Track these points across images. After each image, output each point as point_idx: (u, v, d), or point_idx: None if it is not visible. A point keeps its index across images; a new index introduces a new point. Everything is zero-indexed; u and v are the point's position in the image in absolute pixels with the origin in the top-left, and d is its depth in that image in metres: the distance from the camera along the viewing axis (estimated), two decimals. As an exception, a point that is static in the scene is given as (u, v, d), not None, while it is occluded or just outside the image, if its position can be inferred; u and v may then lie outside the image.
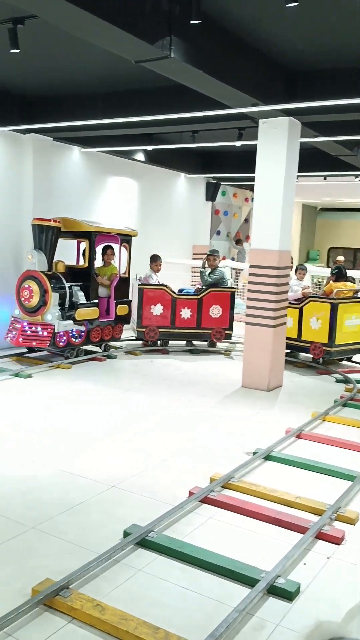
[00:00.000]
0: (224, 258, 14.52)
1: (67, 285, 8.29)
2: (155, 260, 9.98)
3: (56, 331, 8.04)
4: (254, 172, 7.52)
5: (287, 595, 3.11)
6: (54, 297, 8.12)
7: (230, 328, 9.76)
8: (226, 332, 9.72)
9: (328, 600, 3.11)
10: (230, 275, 10.16)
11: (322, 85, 6.72)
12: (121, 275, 9.29)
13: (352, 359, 9.35)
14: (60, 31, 5.57)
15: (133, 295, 9.54)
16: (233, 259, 15.38)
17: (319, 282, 13.67)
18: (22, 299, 8.17)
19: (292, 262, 10.26)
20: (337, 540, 3.69)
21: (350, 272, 9.93)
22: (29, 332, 8.07)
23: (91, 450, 5.09)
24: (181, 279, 12.76)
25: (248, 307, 7.63)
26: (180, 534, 3.69)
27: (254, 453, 5.08)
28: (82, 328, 8.47)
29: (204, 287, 9.77)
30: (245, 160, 11.86)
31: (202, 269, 9.93)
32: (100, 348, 9.02)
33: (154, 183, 12.94)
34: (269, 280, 7.37)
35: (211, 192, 14.81)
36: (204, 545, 3.52)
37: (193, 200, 14.44)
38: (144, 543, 3.53)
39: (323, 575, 3.35)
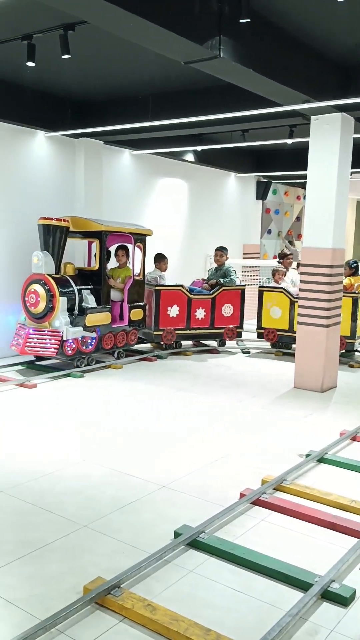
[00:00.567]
0: (274, 257, 14.37)
1: (76, 288, 7.83)
2: (162, 259, 9.61)
3: (64, 339, 7.49)
4: (305, 169, 7.41)
5: (342, 600, 3.03)
6: (61, 302, 7.55)
7: (241, 326, 9.70)
8: (237, 330, 9.66)
9: (384, 608, 3.02)
10: (237, 273, 9.98)
11: (375, 79, 6.57)
12: (135, 278, 8.74)
13: None
14: (109, 35, 5.64)
15: (150, 298, 9.07)
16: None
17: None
18: (28, 304, 7.64)
19: (291, 258, 10.50)
20: (393, 546, 3.58)
21: None
22: (35, 340, 7.49)
23: (142, 450, 5.12)
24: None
25: (300, 306, 7.52)
26: (232, 535, 3.66)
27: (307, 455, 4.99)
28: (93, 335, 7.93)
29: (206, 283, 9.68)
30: (297, 157, 11.70)
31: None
32: (114, 355, 8.50)
33: (204, 183, 12.93)
34: (321, 279, 7.25)
35: (262, 191, 14.68)
36: (256, 548, 3.49)
37: (243, 200, 14.35)
38: (195, 544, 3.52)
39: (379, 581, 3.25)
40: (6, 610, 2.85)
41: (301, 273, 7.58)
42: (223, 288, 9.47)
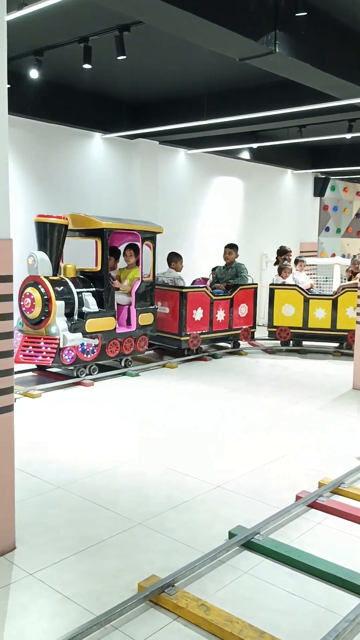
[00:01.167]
0: (333, 255, 14.09)
1: (75, 291, 7.20)
2: (177, 259, 8.98)
3: (62, 346, 6.86)
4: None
5: None
6: (58, 306, 6.94)
7: (254, 326, 9.49)
8: (251, 330, 9.46)
9: None
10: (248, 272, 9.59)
11: None
12: (144, 279, 8.05)
13: None
14: (164, 35, 5.67)
15: (180, 301, 8.47)
16: (344, 256, 14.87)
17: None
18: (24, 309, 7.05)
19: (291, 255, 10.23)
20: None
21: None
22: (30, 348, 6.97)
23: (197, 449, 5.12)
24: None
25: (359, 305, 7.33)
26: (287, 538, 3.61)
27: (366, 458, 4.87)
28: (95, 341, 7.25)
29: (214, 281, 9.39)
30: (357, 152, 11.45)
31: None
32: (121, 363, 7.91)
33: (260, 181, 12.82)
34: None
35: (320, 188, 14.44)
36: (312, 551, 3.42)
37: (300, 197, 14.14)
38: (250, 545, 3.49)
39: None
40: (63, 606, 2.90)
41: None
42: (240, 287, 9.19)
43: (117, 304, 7.76)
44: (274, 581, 3.18)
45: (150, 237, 8.12)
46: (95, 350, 7.31)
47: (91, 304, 7.33)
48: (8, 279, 3.24)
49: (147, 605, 2.93)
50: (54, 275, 7.19)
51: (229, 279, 9.33)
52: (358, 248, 15.10)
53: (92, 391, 6.94)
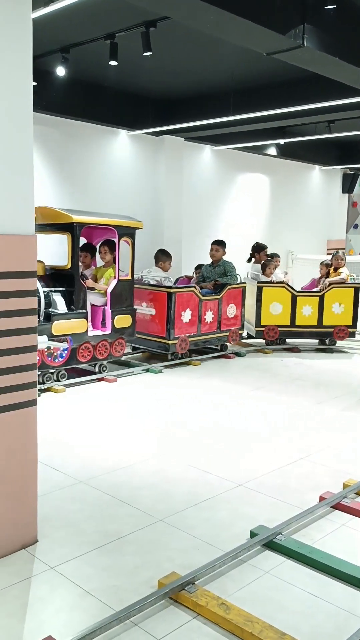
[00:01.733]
0: (351, 252, 13.90)
1: (41, 291, 6.63)
2: (166, 257, 8.51)
3: None
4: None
5: None
6: None
7: (242, 327, 8.99)
8: (240, 332, 8.95)
9: None
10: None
11: None
12: (121, 278, 7.43)
13: None
14: (190, 31, 5.63)
15: (168, 302, 7.86)
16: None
17: None
18: None
19: (266, 251, 9.95)
20: None
21: None
22: None
23: (219, 447, 5.10)
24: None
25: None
26: (310, 539, 3.56)
27: (391, 459, 4.78)
28: (64, 345, 6.73)
29: (200, 280, 8.86)
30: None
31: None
32: (95, 368, 7.31)
33: (286, 177, 12.71)
34: None
35: (348, 184, 14.24)
36: (335, 553, 3.37)
37: (328, 193, 13.98)
38: (272, 545, 3.45)
39: None
40: (83, 600, 2.91)
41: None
42: (229, 287, 8.65)
43: (92, 305, 7.26)
44: (296, 582, 3.14)
45: (128, 232, 7.50)
46: (64, 355, 6.85)
47: (59, 304, 6.82)
48: (32, 274, 3.26)
49: (167, 602, 2.92)
50: None
51: (216, 277, 8.79)
52: None
53: (115, 387, 6.96)
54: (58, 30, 6.09)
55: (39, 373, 6.62)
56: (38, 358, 6.50)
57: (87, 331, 7.06)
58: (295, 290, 9.20)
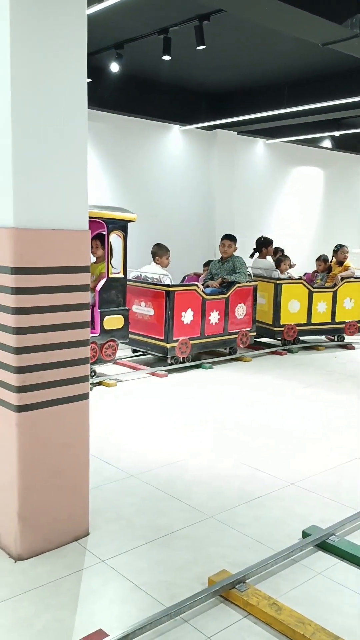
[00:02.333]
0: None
1: None
2: (163, 252, 7.83)
3: None
4: None
5: None
6: None
7: (253, 329, 8.28)
8: (250, 334, 8.24)
9: None
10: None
11: None
12: (111, 275, 6.78)
13: None
14: (244, 23, 5.56)
15: (166, 301, 7.27)
16: None
17: None
18: None
19: (272, 245, 9.39)
20: None
21: None
22: None
23: (271, 445, 5.04)
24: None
25: None
26: (364, 541, 3.47)
27: None
28: None
29: (209, 278, 8.27)
30: None
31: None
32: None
33: (341, 170, 12.45)
34: None
35: None
36: (391, 556, 3.28)
37: (385, 186, 13.60)
38: (325, 546, 3.38)
39: None
40: (133, 594, 2.92)
41: None
42: (237, 286, 7.98)
43: None
44: (349, 584, 3.06)
45: (119, 226, 6.82)
46: None
47: None
48: (86, 269, 3.29)
49: (217, 600, 2.90)
50: None
51: (225, 274, 8.13)
52: None
53: (166, 382, 6.98)
54: (112, 26, 6.13)
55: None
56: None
57: None
58: (312, 287, 8.81)
